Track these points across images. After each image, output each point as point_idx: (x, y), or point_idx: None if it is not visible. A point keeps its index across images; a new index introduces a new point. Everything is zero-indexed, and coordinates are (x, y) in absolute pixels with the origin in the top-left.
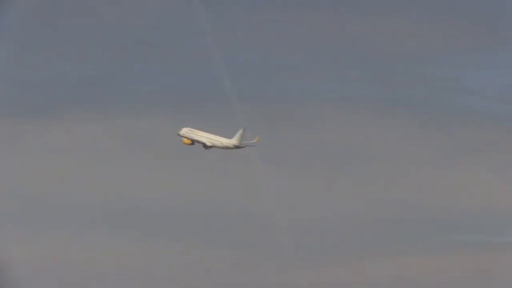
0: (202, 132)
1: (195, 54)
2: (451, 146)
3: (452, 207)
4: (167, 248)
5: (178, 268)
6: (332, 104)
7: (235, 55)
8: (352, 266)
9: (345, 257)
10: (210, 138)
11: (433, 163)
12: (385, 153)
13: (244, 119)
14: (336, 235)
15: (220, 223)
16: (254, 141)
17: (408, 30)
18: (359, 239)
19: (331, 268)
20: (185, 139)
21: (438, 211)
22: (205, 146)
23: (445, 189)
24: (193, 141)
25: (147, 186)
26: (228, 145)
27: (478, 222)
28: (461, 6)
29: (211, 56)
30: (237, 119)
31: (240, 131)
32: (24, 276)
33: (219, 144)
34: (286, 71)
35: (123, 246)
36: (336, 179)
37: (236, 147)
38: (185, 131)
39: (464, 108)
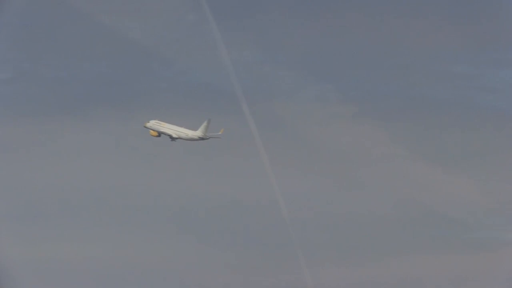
0: (169, 125)
1: (203, 53)
2: (469, 144)
3: (470, 206)
4: (173, 245)
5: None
6: (349, 101)
7: (240, 54)
8: (350, 265)
9: (343, 256)
10: (176, 130)
11: (450, 161)
12: (402, 150)
13: (252, 118)
14: (338, 234)
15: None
16: (219, 133)
17: (426, 28)
18: (359, 238)
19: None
20: (151, 131)
21: (456, 209)
22: (171, 138)
23: (462, 188)
24: (159, 133)
25: (160, 184)
26: (193, 137)
27: (495, 221)
28: (481, 4)
29: (219, 56)
30: (244, 118)
31: (205, 123)
32: (24, 276)
33: (184, 136)
34: (300, 69)
35: (128, 244)
36: (349, 176)
37: (201, 138)
38: (152, 123)
39: (483, 106)
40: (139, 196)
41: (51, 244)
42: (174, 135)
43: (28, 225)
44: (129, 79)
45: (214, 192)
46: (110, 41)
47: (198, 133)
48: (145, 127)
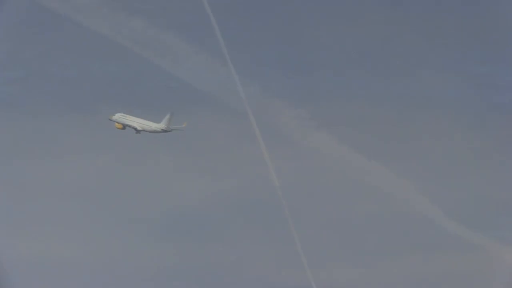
0: (133, 117)
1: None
2: (484, 144)
3: (471, 206)
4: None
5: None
6: (359, 101)
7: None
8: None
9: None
10: (140, 123)
11: (453, 161)
12: (415, 151)
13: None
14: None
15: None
16: (183, 126)
17: (438, 25)
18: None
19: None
20: (117, 124)
21: (456, 209)
22: (136, 130)
23: (462, 188)
24: (124, 126)
25: (166, 183)
26: (156, 129)
27: (494, 221)
28: (491, 2)
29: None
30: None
31: (168, 116)
32: (24, 276)
33: (148, 128)
34: (308, 67)
35: (129, 244)
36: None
37: (164, 131)
38: (118, 116)
39: (496, 105)
40: (145, 196)
41: (51, 244)
42: (138, 128)
43: (33, 225)
44: (138, 78)
45: (213, 190)
46: (120, 40)
47: (161, 125)
48: (111, 120)
